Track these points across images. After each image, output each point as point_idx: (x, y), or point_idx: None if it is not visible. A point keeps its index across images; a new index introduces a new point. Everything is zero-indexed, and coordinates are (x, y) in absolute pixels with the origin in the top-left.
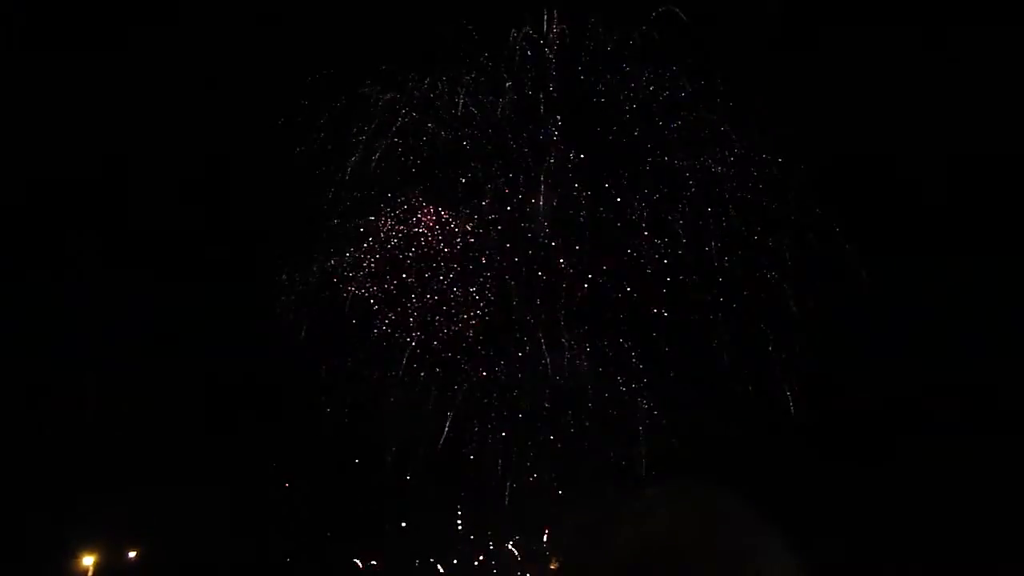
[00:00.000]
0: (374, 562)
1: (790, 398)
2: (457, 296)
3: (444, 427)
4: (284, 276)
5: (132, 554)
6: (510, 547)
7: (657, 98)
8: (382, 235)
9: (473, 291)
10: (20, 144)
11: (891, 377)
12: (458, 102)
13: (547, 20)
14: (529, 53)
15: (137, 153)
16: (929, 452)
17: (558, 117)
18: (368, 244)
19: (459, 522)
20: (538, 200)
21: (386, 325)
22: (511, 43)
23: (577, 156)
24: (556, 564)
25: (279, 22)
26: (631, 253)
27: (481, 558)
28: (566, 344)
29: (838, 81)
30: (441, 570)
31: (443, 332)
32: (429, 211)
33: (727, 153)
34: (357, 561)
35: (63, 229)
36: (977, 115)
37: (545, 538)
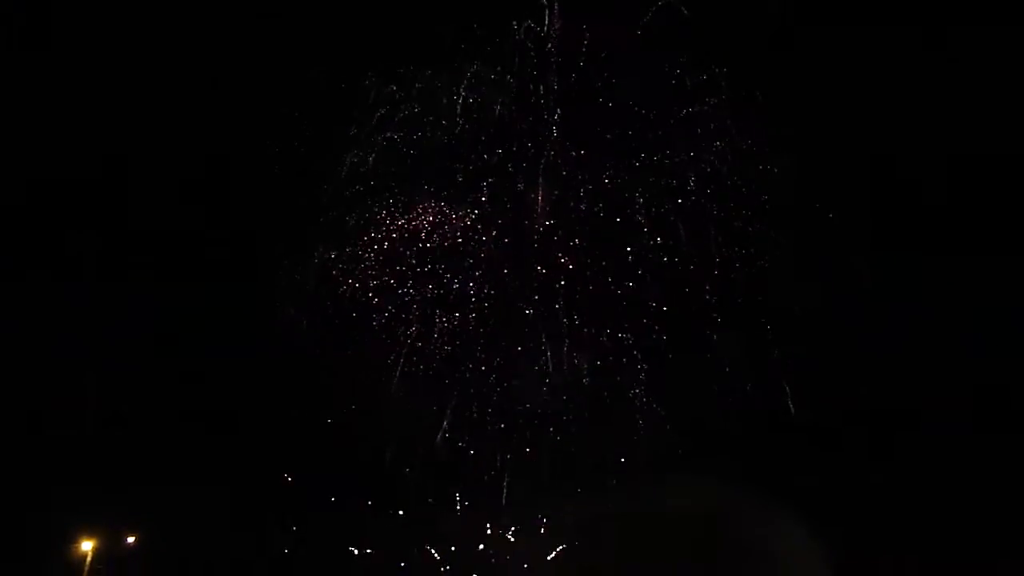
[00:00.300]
0: (369, 551)
1: (789, 394)
2: (456, 290)
3: (443, 420)
4: (283, 272)
5: (131, 540)
6: (508, 536)
7: (657, 92)
8: (382, 229)
9: (472, 285)
10: (20, 144)
11: (891, 376)
12: (457, 99)
13: (548, 14)
14: (530, 46)
15: (137, 152)
16: (928, 450)
17: (558, 111)
18: (367, 239)
19: (457, 510)
20: (537, 194)
21: (385, 318)
22: (511, 36)
23: (577, 150)
24: (556, 555)
25: (278, 18)
26: (630, 250)
27: (481, 547)
28: (565, 337)
29: (838, 80)
30: (437, 557)
31: (442, 325)
32: (428, 205)
33: (727, 148)
34: (353, 549)
35: (63, 229)
36: (977, 115)
37: (543, 529)
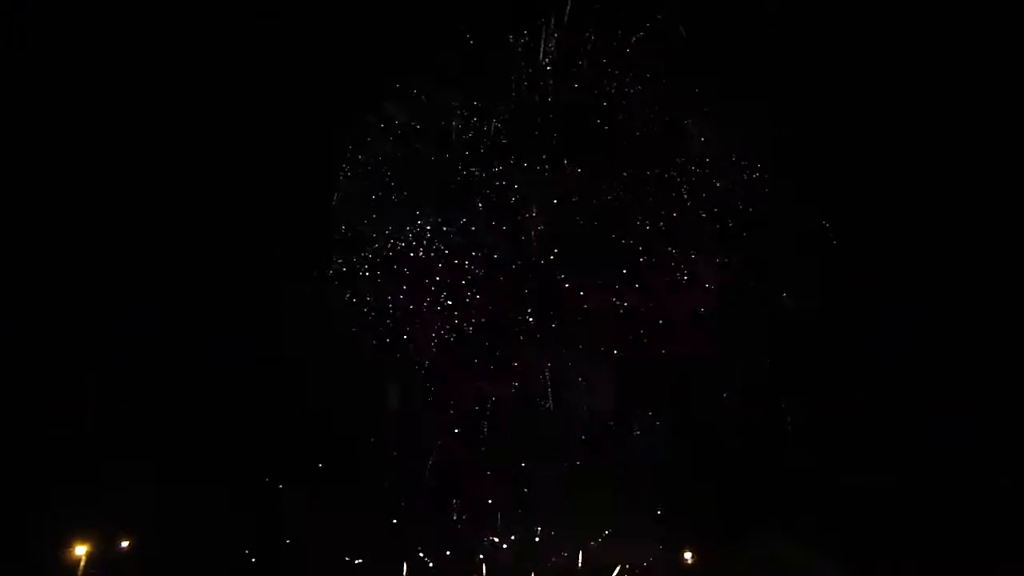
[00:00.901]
0: (361, 560)
1: (784, 399)
2: (451, 304)
3: (442, 430)
4: (284, 276)
5: (124, 544)
6: (503, 547)
7: (653, 104)
8: (380, 241)
9: (468, 298)
10: (20, 144)
11: (889, 377)
12: (456, 111)
13: (544, 29)
14: (525, 64)
15: (137, 153)
16: (927, 451)
17: (553, 124)
18: (364, 249)
19: (453, 519)
20: (532, 208)
21: (382, 330)
22: (509, 51)
23: (572, 164)
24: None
25: (279, 22)
26: (625, 265)
27: (482, 557)
28: (562, 349)
29: (837, 81)
30: (432, 565)
31: (441, 336)
32: (423, 218)
33: (725, 156)
34: (347, 558)
35: (63, 229)
36: (978, 115)
37: (537, 538)
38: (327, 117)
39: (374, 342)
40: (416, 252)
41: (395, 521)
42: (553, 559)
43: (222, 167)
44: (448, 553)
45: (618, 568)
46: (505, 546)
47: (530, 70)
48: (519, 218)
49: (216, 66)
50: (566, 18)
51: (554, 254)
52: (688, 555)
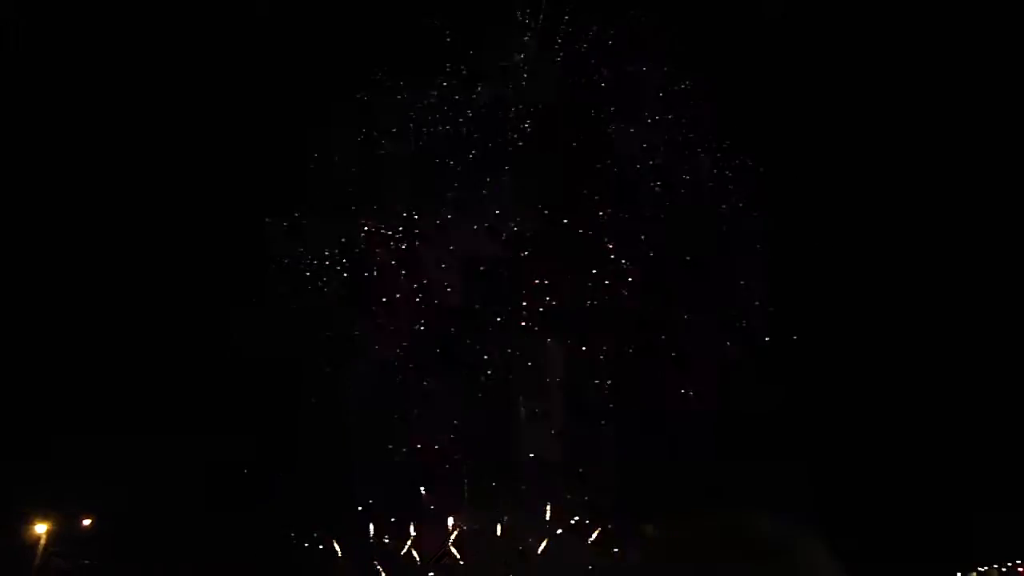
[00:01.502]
0: (322, 545)
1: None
2: (420, 297)
3: (407, 420)
4: (270, 275)
5: (87, 522)
6: (470, 532)
7: (638, 101)
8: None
9: (437, 292)
10: (19, 144)
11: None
12: (433, 104)
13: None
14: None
15: (134, 153)
16: (924, 450)
17: (528, 122)
18: (342, 246)
19: (420, 502)
20: (506, 206)
21: (353, 325)
22: (488, 46)
23: (550, 161)
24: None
25: (268, 24)
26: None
27: (453, 540)
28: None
29: (835, 81)
30: (400, 551)
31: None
32: (393, 213)
33: (715, 155)
34: (305, 543)
35: (63, 229)
36: (977, 114)
37: (501, 527)
38: (308, 114)
39: (354, 332)
40: (388, 248)
41: (360, 508)
42: (520, 547)
43: (220, 167)
44: (415, 534)
45: (596, 532)
46: (474, 535)
47: (506, 64)
48: (491, 214)
49: (213, 69)
50: (542, 15)
51: (527, 251)
52: (650, 528)
